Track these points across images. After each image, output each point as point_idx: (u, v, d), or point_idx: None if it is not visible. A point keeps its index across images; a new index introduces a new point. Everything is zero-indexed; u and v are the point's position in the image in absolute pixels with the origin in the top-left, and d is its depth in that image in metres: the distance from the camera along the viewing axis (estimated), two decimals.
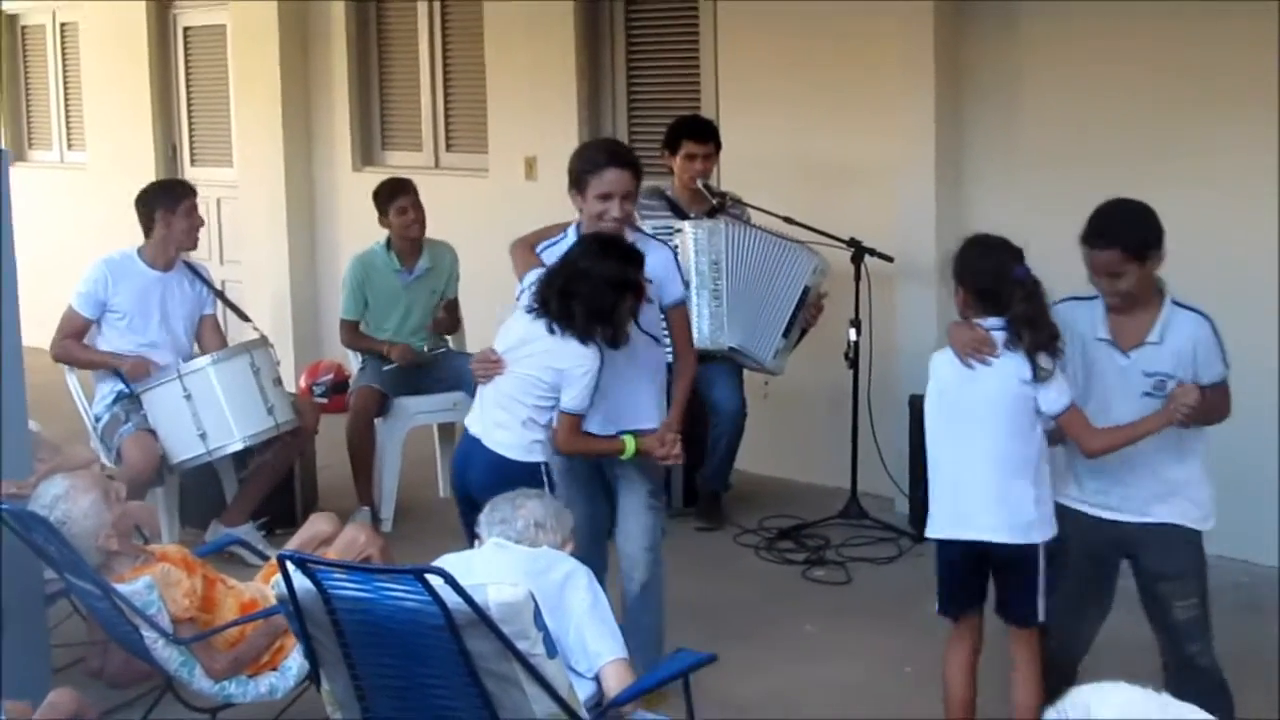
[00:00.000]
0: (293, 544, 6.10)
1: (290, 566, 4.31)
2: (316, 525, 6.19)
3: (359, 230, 10.29)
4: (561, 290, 5.64)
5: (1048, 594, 5.31)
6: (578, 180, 5.92)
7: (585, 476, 6.08)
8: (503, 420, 5.78)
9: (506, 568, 4.47)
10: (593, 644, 4.49)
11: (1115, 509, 5.40)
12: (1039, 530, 5.25)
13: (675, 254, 6.20)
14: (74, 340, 8.05)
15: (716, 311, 8.07)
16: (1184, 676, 5.29)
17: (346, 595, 4.28)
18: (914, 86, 8.52)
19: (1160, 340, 5.28)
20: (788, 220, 8.26)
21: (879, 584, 7.71)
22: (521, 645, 4.14)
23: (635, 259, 5.74)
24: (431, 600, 4.09)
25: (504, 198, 10.50)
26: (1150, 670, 5.19)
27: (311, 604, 4.33)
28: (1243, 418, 5.67)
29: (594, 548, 5.96)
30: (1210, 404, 5.27)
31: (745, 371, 8.43)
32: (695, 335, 7.81)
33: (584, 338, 5.62)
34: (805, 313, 8.23)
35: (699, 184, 8.23)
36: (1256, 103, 7.37)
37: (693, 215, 8.25)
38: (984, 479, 5.24)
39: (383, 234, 9.03)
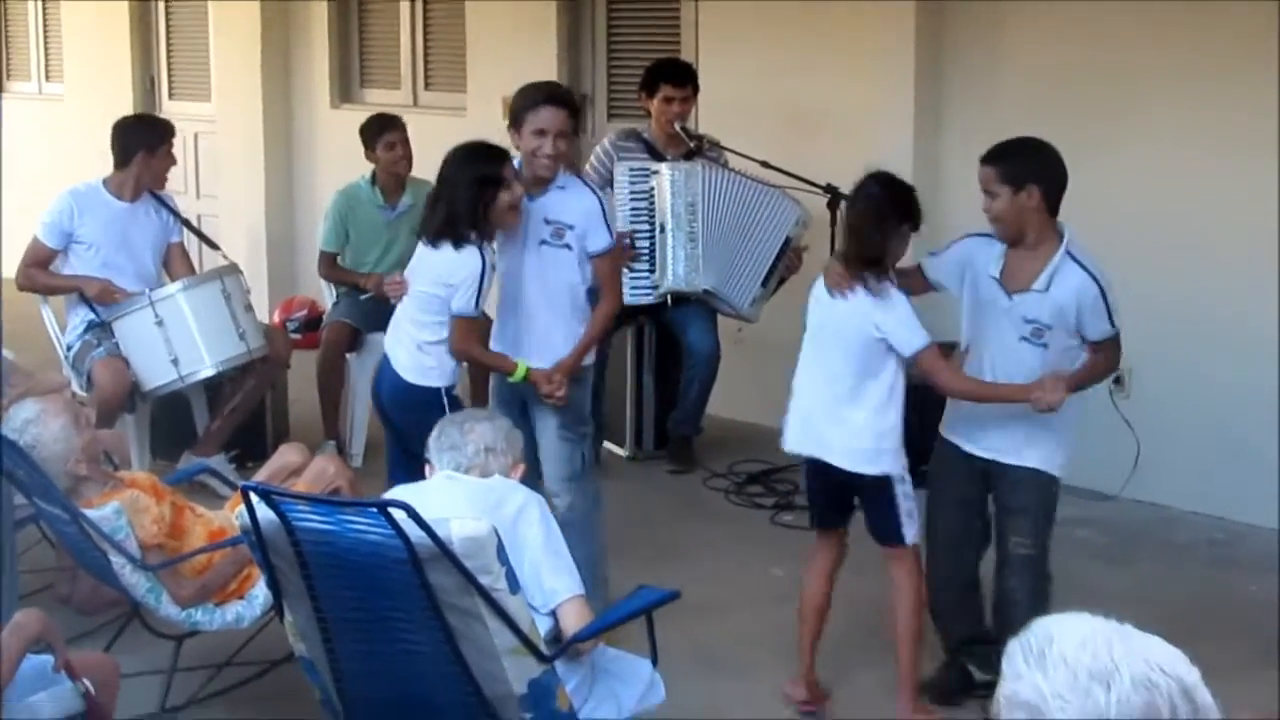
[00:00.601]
0: (261, 475, 6.09)
1: (254, 497, 4.28)
2: (286, 456, 6.17)
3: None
4: (432, 202, 5.93)
5: (918, 517, 5.59)
6: (515, 118, 6.04)
7: (504, 402, 6.20)
8: (403, 340, 6.05)
9: (460, 501, 4.42)
10: (548, 580, 4.44)
11: (980, 445, 5.62)
12: (878, 462, 5.46)
13: (603, 202, 6.22)
14: (38, 268, 8.01)
15: (692, 253, 8.07)
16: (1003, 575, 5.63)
17: (309, 527, 4.24)
18: (894, 32, 8.50)
19: (1045, 289, 5.45)
20: (764, 165, 8.21)
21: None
22: (484, 580, 4.10)
23: (496, 156, 5.90)
24: (394, 534, 4.06)
25: (481, 137, 10.42)
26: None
27: (275, 535, 4.29)
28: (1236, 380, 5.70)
29: None
30: (1094, 365, 5.55)
31: (719, 316, 8.40)
32: (670, 277, 7.86)
33: (457, 242, 5.81)
34: (784, 262, 8.21)
35: (676, 127, 8.20)
36: (1250, 56, 7.34)
37: (669, 157, 8.23)
38: (826, 404, 5.51)
39: (363, 170, 8.97)
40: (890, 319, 5.35)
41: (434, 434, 4.75)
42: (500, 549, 4.16)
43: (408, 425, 5.81)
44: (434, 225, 5.86)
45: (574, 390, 6.11)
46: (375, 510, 4.09)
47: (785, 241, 8.12)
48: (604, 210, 6.18)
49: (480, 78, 10.77)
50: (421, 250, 5.99)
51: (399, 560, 4.09)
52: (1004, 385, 5.46)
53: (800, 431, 5.65)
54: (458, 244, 5.79)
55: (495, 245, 5.99)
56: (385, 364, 6.14)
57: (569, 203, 6.08)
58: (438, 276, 5.86)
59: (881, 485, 5.48)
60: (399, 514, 4.03)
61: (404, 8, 11.48)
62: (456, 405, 5.88)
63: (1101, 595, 5.66)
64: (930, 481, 5.82)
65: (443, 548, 4.04)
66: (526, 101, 6.03)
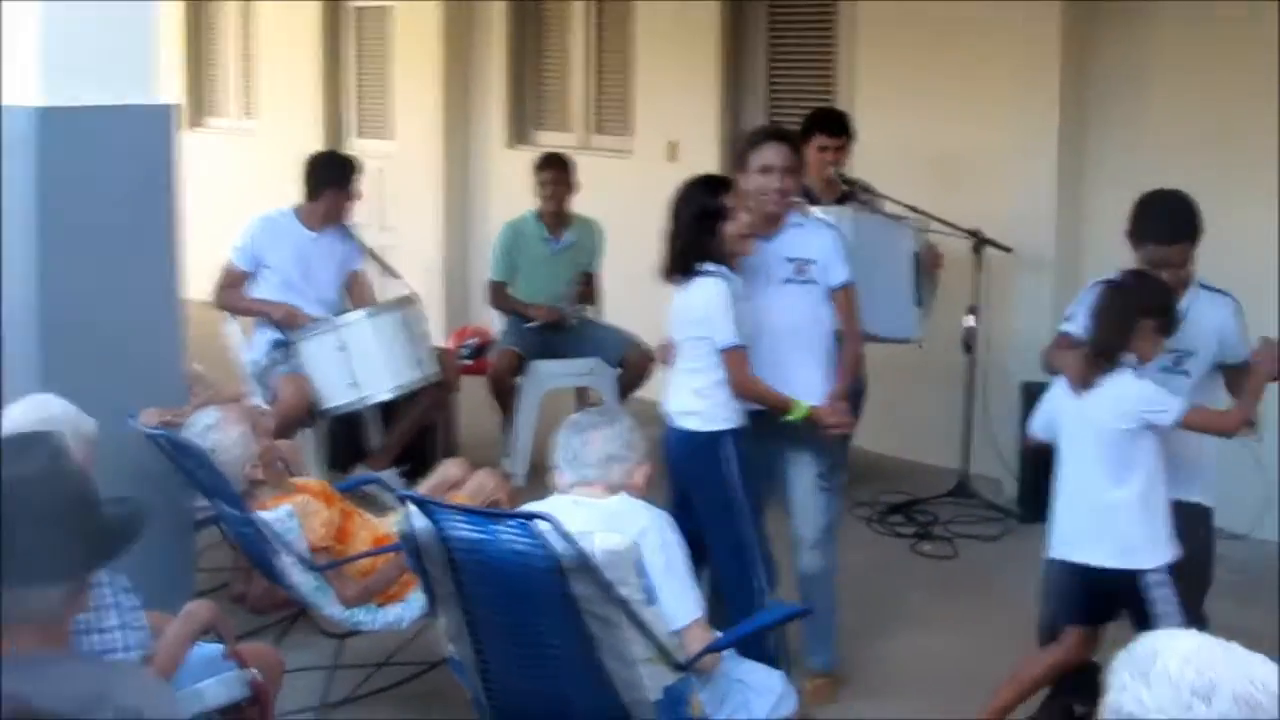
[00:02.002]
0: (424, 487, 6.14)
1: (411, 506, 4.37)
2: (447, 470, 6.24)
3: (509, 204, 10.34)
4: (666, 240, 5.65)
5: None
6: (741, 157, 5.90)
7: (753, 466, 5.78)
8: (679, 392, 5.74)
9: (584, 524, 4.30)
10: (669, 605, 4.36)
11: None
12: (1151, 555, 5.14)
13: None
14: (231, 290, 8.16)
15: None
16: None
17: (461, 536, 4.30)
18: (1039, 84, 8.45)
19: (1183, 318, 5.32)
20: (913, 209, 8.17)
21: (984, 560, 7.67)
22: (623, 591, 4.13)
23: (718, 186, 5.68)
24: (540, 544, 4.10)
25: (647, 178, 10.46)
26: None
27: (429, 542, 4.35)
28: None
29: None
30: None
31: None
32: None
33: (691, 275, 5.56)
34: (926, 273, 8.02)
35: (831, 172, 8.16)
36: None
37: (824, 202, 8.19)
38: (1090, 504, 5.17)
39: (535, 204, 9.12)
40: (1139, 396, 5.11)
41: (558, 442, 4.69)
42: (639, 562, 4.21)
43: (696, 473, 5.64)
44: (667, 263, 5.64)
45: (832, 438, 5.90)
46: (522, 521, 4.14)
47: (915, 257, 7.95)
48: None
49: (646, 122, 10.88)
50: (674, 301, 5.70)
51: (543, 570, 4.13)
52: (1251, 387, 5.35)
53: (1067, 536, 5.27)
54: (692, 277, 5.56)
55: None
56: (667, 426, 5.78)
57: (808, 238, 5.87)
58: (689, 319, 5.61)
59: (1148, 581, 5.12)
60: (544, 526, 4.09)
61: (576, 55, 11.59)
62: (741, 450, 5.64)
63: (1230, 633, 5.54)
64: None
65: (585, 559, 4.10)
66: (751, 140, 5.95)
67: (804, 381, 5.78)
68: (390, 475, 7.80)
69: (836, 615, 6.09)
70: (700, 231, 5.54)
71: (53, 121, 5.64)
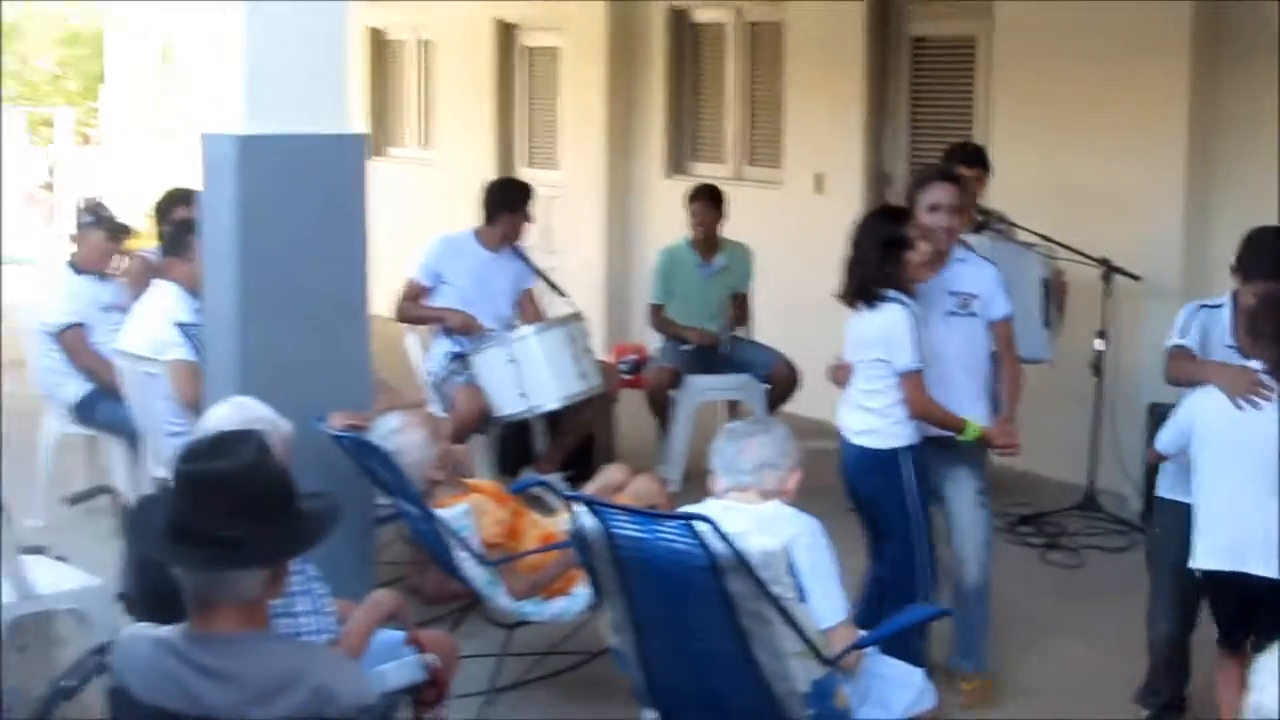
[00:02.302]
0: (589, 490, 6.15)
1: (581, 506, 4.39)
2: (610, 475, 6.25)
3: (667, 230, 10.33)
4: (847, 268, 5.61)
5: None
6: (910, 196, 5.90)
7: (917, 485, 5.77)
8: (855, 412, 5.71)
9: (737, 528, 4.27)
10: (817, 606, 4.32)
11: None
12: None
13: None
14: (412, 302, 8.26)
15: None
16: None
17: (626, 534, 4.32)
18: (1167, 118, 8.33)
19: None
20: (1045, 239, 8.08)
21: (1109, 570, 7.52)
22: (776, 589, 4.13)
23: (899, 217, 5.67)
24: (699, 544, 4.11)
25: (795, 208, 10.52)
26: None
27: (596, 540, 4.38)
28: None
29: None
30: None
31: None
32: None
33: (872, 302, 5.52)
34: (1055, 298, 7.89)
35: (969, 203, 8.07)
36: None
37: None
38: (1248, 516, 4.98)
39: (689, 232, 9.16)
40: None
41: (715, 449, 4.66)
42: (791, 563, 4.20)
43: (875, 490, 5.64)
44: (850, 290, 5.59)
45: (983, 454, 5.88)
46: (683, 522, 4.15)
47: (1044, 283, 7.80)
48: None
49: (795, 155, 10.84)
50: (851, 323, 5.67)
51: (701, 568, 4.13)
52: None
53: (1217, 547, 5.08)
54: (874, 304, 5.52)
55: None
56: (845, 442, 5.78)
57: (971, 274, 5.83)
58: (869, 342, 5.57)
59: None
60: (703, 527, 4.09)
61: (730, 92, 11.58)
62: (919, 466, 5.63)
63: None
64: (1162, 540, 5.54)
65: (742, 559, 4.09)
66: (918, 181, 5.95)
67: (966, 405, 5.74)
68: (555, 479, 7.85)
69: (988, 620, 6.01)
70: (884, 260, 5.51)
71: (253, 148, 5.72)
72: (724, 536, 4.06)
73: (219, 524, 3.11)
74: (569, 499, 4.44)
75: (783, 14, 10.91)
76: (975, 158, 8.21)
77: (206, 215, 5.98)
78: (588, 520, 4.35)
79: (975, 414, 5.73)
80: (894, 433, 5.58)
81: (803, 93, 10.74)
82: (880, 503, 5.61)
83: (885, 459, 5.54)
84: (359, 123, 6.19)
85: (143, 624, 3.32)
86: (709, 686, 4.44)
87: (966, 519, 5.84)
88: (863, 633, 4.56)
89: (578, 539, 4.43)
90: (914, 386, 5.54)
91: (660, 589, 4.34)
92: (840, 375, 5.81)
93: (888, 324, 5.51)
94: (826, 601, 4.37)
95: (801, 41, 10.74)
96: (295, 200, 5.75)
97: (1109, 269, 8.13)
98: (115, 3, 22.03)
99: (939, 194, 5.76)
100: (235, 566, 3.14)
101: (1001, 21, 9.30)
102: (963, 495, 5.85)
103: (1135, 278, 8.18)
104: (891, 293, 5.51)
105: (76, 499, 6.31)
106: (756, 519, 4.38)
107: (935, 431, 5.68)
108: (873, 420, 5.59)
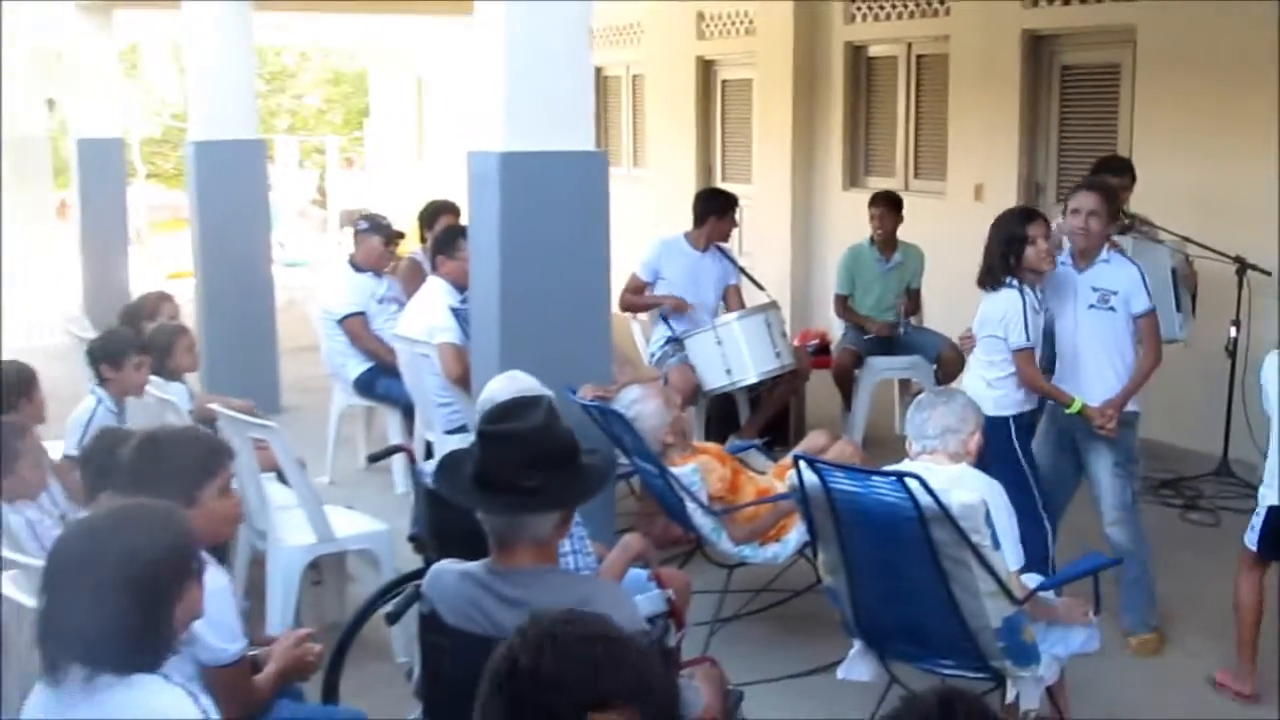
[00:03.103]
0: (797, 450, 6.11)
1: (802, 465, 4.33)
2: (814, 439, 6.18)
3: (843, 236, 10.24)
4: (983, 256, 5.69)
5: None
6: (1065, 202, 5.89)
7: (1055, 438, 5.87)
8: (976, 380, 5.73)
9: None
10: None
11: None
12: None
13: (1142, 272, 5.83)
14: (632, 294, 8.27)
15: None
16: None
17: (841, 488, 4.26)
18: None
19: None
20: (1184, 239, 7.82)
21: (1242, 528, 7.24)
22: (974, 538, 4.05)
23: (1026, 218, 5.67)
24: (907, 497, 4.04)
25: (957, 215, 10.31)
26: None
27: (815, 493, 4.33)
28: None
29: (1055, 492, 5.80)
30: None
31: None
32: None
33: (994, 286, 5.61)
34: (1184, 284, 7.65)
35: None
36: None
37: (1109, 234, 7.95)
38: None
39: (863, 237, 9.06)
40: None
41: (907, 418, 4.62)
42: (988, 514, 4.10)
43: (990, 448, 5.43)
44: (980, 275, 5.66)
45: (1124, 430, 5.74)
46: (895, 478, 4.08)
47: (1173, 271, 7.56)
48: (1144, 279, 5.79)
49: (957, 168, 10.66)
50: (980, 305, 5.73)
51: (909, 518, 4.07)
52: None
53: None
54: (995, 288, 5.58)
55: (1040, 291, 5.69)
56: None
57: (1113, 273, 5.73)
58: (989, 321, 5.63)
59: None
60: (914, 483, 4.02)
61: (900, 114, 11.41)
62: (1026, 431, 5.68)
63: None
64: None
65: (945, 511, 4.01)
66: (1072, 189, 5.92)
67: (1099, 387, 5.69)
68: (757, 444, 7.82)
69: (1148, 582, 5.83)
70: (1006, 253, 5.56)
71: (512, 163, 5.75)
72: (930, 491, 3.99)
73: (520, 475, 3.12)
74: (795, 458, 4.37)
75: (948, 47, 10.72)
76: (1122, 168, 7.97)
77: (473, 220, 6.02)
78: (809, 476, 4.30)
79: (1104, 393, 5.66)
80: (1005, 401, 5.62)
81: (964, 114, 10.55)
82: (996, 462, 5.43)
83: (997, 423, 5.45)
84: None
85: (448, 560, 3.33)
86: (911, 621, 4.38)
87: (1105, 486, 5.73)
88: (1038, 578, 4.48)
89: (799, 492, 4.37)
90: (1024, 361, 5.58)
91: (871, 536, 4.28)
92: (966, 343, 5.90)
93: (1005, 307, 5.57)
94: (1006, 553, 4.28)
95: (964, 70, 10.54)
96: (548, 207, 5.77)
97: (1243, 265, 7.86)
98: (375, 47, 22.42)
99: (1079, 200, 5.73)
100: (534, 511, 3.14)
101: (1143, 50, 9.03)
102: (1101, 466, 5.73)
103: (1267, 273, 7.90)
104: (1011, 280, 5.56)
105: (374, 458, 6.39)
106: (946, 478, 4.30)
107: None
108: (989, 390, 5.61)
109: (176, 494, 3.36)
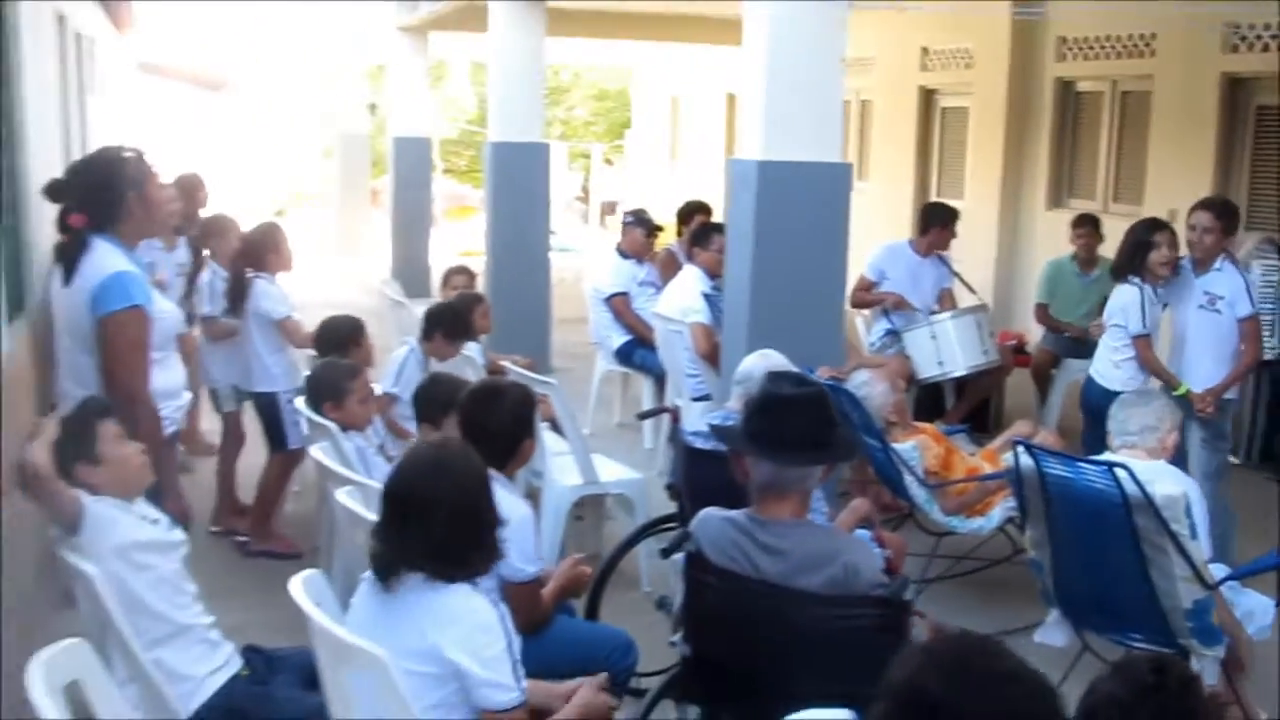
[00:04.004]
0: (1004, 435, 5.97)
1: (1020, 449, 4.18)
2: (1020, 427, 5.98)
3: (1045, 251, 9.93)
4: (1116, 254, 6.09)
5: None
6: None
7: None
8: (1102, 360, 6.10)
9: None
10: None
11: None
12: None
13: (1247, 281, 5.93)
14: (861, 293, 8.09)
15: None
16: None
17: (1055, 473, 4.11)
18: None
19: None
20: None
21: None
22: (1174, 527, 3.85)
23: (1153, 227, 5.97)
24: (1115, 485, 3.87)
25: None
26: None
27: (1029, 475, 4.18)
28: None
29: None
30: None
31: None
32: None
33: (1123, 281, 5.96)
34: None
35: None
36: None
37: None
38: None
39: (1061, 253, 8.78)
40: None
41: (1110, 414, 4.48)
42: (1188, 506, 3.89)
43: (1101, 414, 5.47)
44: (1111, 268, 6.04)
45: (1220, 414, 5.81)
46: (1105, 467, 3.90)
47: None
48: (1247, 286, 5.88)
49: (1153, 193, 10.13)
50: (1109, 299, 6.08)
51: (1115, 504, 3.90)
52: None
53: None
54: (1123, 281, 5.86)
55: (1161, 289, 5.92)
56: (1090, 381, 6.13)
57: (1223, 280, 5.86)
58: (1114, 311, 5.93)
59: None
60: (1121, 473, 3.84)
61: (1103, 142, 10.92)
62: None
63: None
64: None
65: (1149, 500, 3.82)
66: (1190, 207, 6.04)
67: (1202, 376, 5.81)
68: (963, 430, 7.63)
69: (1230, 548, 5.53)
70: (1135, 255, 5.89)
71: (768, 170, 5.70)
72: (1137, 481, 3.80)
73: (798, 432, 3.08)
74: (1014, 443, 4.22)
75: (1151, 85, 10.22)
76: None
77: (731, 217, 5.98)
78: (1024, 459, 4.15)
79: (1206, 384, 5.77)
80: (1123, 379, 5.84)
81: (1163, 145, 10.04)
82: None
83: (1115, 397, 5.28)
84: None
85: (713, 508, 3.30)
86: (1108, 596, 4.19)
87: (1194, 455, 5.76)
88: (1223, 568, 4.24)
89: (1014, 473, 4.22)
90: (1142, 347, 5.86)
91: (1078, 517, 4.10)
92: (1096, 330, 6.27)
93: (1125, 300, 5.88)
94: (1204, 543, 4.08)
95: (1165, 107, 10.02)
96: (797, 209, 5.70)
97: None
98: (636, 67, 22.58)
99: (1196, 217, 5.87)
100: (818, 462, 3.09)
101: None
102: (1193, 439, 5.77)
103: None
104: (1134, 278, 5.85)
105: (643, 415, 6.46)
106: (1152, 471, 4.09)
107: None
108: (1113, 370, 5.92)
109: (504, 444, 3.44)
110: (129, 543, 3.16)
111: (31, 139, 5.40)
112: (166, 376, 4.21)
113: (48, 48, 6.89)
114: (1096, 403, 5.73)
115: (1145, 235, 5.87)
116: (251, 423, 6.43)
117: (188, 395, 4.41)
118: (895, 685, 1.83)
